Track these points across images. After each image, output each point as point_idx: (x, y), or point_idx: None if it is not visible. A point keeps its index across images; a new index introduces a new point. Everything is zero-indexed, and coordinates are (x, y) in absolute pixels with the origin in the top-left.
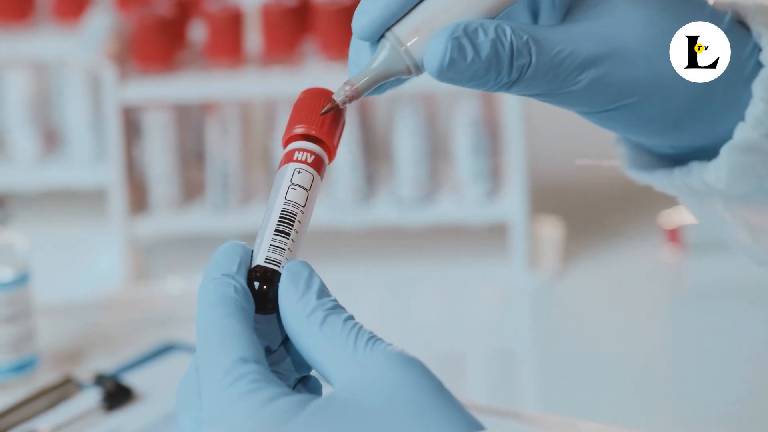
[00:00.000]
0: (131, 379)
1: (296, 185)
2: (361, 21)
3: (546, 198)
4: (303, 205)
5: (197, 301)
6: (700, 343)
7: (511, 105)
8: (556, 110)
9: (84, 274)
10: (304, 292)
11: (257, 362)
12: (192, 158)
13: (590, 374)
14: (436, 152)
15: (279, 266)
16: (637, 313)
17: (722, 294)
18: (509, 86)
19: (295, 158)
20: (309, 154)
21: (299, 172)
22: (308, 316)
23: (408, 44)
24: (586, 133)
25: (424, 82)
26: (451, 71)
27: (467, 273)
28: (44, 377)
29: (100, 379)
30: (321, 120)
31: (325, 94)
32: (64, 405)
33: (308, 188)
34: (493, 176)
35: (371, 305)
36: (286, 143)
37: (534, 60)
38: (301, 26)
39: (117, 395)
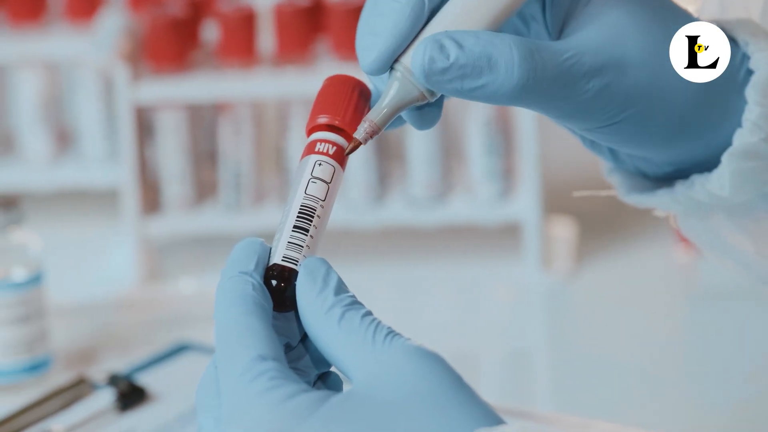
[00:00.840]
0: (145, 380)
1: (317, 178)
2: (368, 58)
3: (558, 198)
4: (323, 198)
5: (215, 298)
6: (712, 343)
7: None
8: None
9: (96, 274)
10: (321, 289)
11: (276, 359)
12: (204, 158)
13: (603, 374)
14: (448, 152)
15: (296, 264)
16: (650, 313)
17: (734, 294)
18: (514, 95)
19: (316, 150)
20: (331, 146)
21: (320, 164)
22: (326, 312)
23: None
24: None
25: None
26: (436, 73)
27: (480, 273)
28: (57, 378)
29: (113, 380)
30: (345, 110)
31: (349, 81)
32: (78, 405)
33: (329, 181)
34: (506, 176)
35: (384, 305)
36: (309, 132)
37: (539, 66)
38: (314, 26)
39: (131, 395)
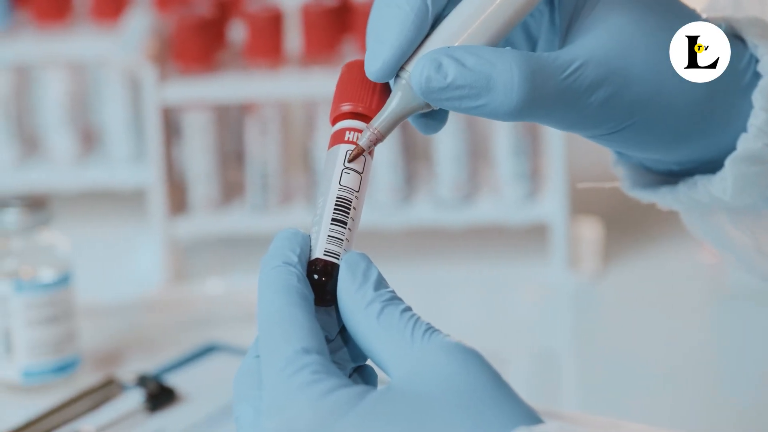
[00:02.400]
0: (173, 380)
1: (350, 169)
2: (375, 66)
3: (585, 199)
4: (357, 189)
5: (258, 288)
6: (738, 344)
7: None
8: None
9: (123, 274)
10: (362, 284)
11: (319, 353)
12: (231, 159)
13: (629, 375)
14: (475, 153)
15: (338, 258)
16: (677, 314)
17: (761, 295)
18: (514, 114)
19: (346, 139)
20: (359, 134)
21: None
22: (366, 307)
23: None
24: None
25: None
26: (433, 91)
27: (507, 273)
28: (85, 378)
29: (142, 380)
30: (369, 96)
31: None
32: (107, 406)
33: (361, 171)
34: (533, 177)
35: (411, 305)
36: (334, 121)
37: (540, 85)
38: (341, 26)
39: (160, 396)
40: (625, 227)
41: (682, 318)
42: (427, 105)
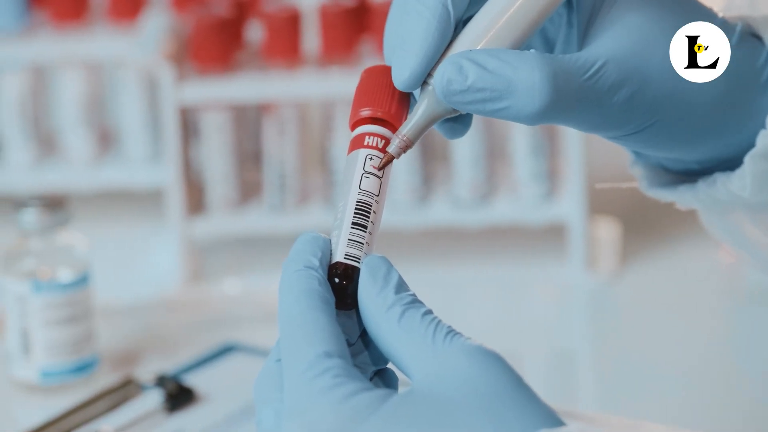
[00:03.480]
0: (192, 380)
1: (369, 173)
2: (403, 75)
3: (602, 199)
4: (377, 193)
5: (280, 292)
6: (756, 345)
7: None
8: None
9: (141, 274)
10: (382, 287)
11: (341, 356)
12: (249, 159)
13: (647, 375)
14: (493, 153)
15: (358, 261)
16: (694, 314)
17: None
18: (536, 117)
19: (365, 144)
20: (379, 139)
21: (371, 158)
22: (387, 310)
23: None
24: None
25: None
26: (455, 94)
27: (524, 274)
28: (103, 379)
29: (161, 381)
30: (389, 102)
31: (388, 72)
32: (126, 406)
33: (381, 175)
34: (551, 177)
35: (429, 305)
36: (353, 126)
37: (562, 87)
38: (359, 27)
39: (179, 396)
40: (643, 228)
41: (699, 318)
42: (454, 110)
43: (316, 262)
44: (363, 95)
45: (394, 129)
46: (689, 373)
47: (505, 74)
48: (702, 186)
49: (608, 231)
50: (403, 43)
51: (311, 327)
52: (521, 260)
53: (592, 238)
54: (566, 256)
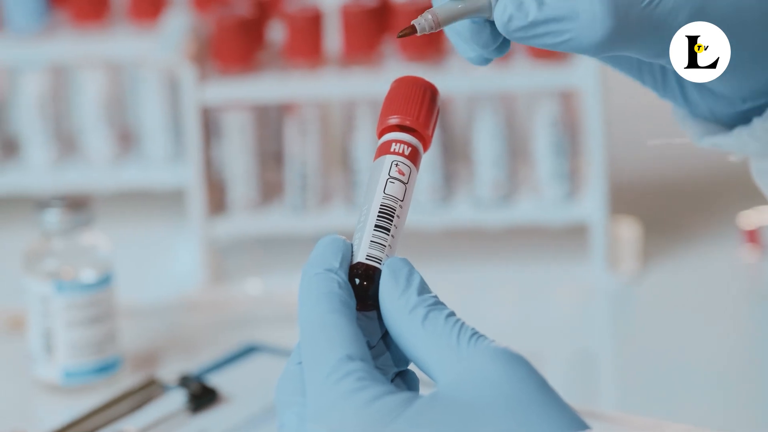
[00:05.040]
0: (215, 381)
1: (394, 179)
2: None
3: (624, 199)
4: (401, 199)
5: (300, 295)
6: None
7: (592, 105)
8: (635, 110)
9: (162, 275)
10: (405, 289)
11: (363, 360)
12: (270, 159)
13: (670, 375)
14: (515, 153)
15: (380, 263)
16: (717, 314)
17: None
18: (599, 48)
19: (392, 150)
20: (406, 146)
21: (397, 164)
22: (410, 312)
23: None
24: (662, 131)
25: (503, 82)
26: (516, 30)
27: (546, 274)
28: (126, 379)
29: (184, 381)
30: (417, 110)
31: (418, 82)
32: (149, 407)
33: (406, 181)
34: (573, 177)
35: (450, 305)
36: (381, 134)
37: (623, 12)
38: (381, 27)
39: (202, 397)
40: (664, 228)
41: (722, 318)
42: (490, 10)
43: (336, 265)
44: (391, 103)
45: (421, 137)
46: (711, 373)
47: (566, 5)
48: (758, 122)
49: (630, 231)
50: None
51: (332, 330)
52: (542, 260)
53: (613, 239)
54: (588, 256)
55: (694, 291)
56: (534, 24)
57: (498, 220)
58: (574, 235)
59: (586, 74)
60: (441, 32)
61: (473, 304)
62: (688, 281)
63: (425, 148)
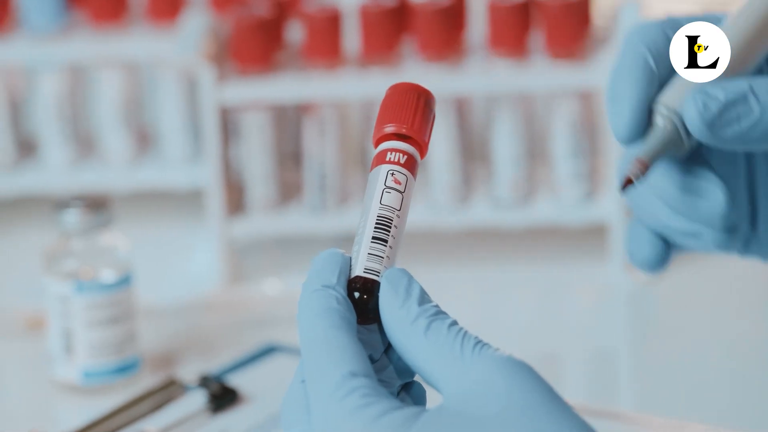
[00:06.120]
0: (234, 381)
1: (390, 188)
2: (619, 129)
3: None
4: (398, 208)
5: (299, 312)
6: None
7: None
8: None
9: (180, 275)
10: (405, 300)
11: (366, 376)
12: (289, 159)
13: (688, 375)
14: (533, 153)
15: (378, 275)
16: (734, 314)
17: None
18: None
19: (387, 159)
20: (401, 155)
21: (392, 174)
22: (411, 323)
23: (677, 110)
24: None
25: (522, 82)
26: (715, 114)
27: (564, 274)
28: (145, 379)
29: (204, 381)
30: (411, 117)
31: (412, 89)
32: (169, 407)
33: (402, 190)
34: (591, 177)
35: (468, 306)
36: (376, 143)
37: None
38: (400, 27)
39: (222, 397)
40: None
41: (740, 318)
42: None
43: (334, 280)
44: (386, 111)
45: (417, 145)
46: (730, 373)
47: (745, 84)
48: None
49: None
50: (615, 96)
51: (333, 347)
52: (561, 260)
53: None
54: (606, 256)
55: (713, 291)
56: (729, 104)
57: (516, 221)
58: (593, 235)
59: (605, 74)
60: (458, 28)
61: (491, 305)
62: (705, 281)
63: (422, 155)
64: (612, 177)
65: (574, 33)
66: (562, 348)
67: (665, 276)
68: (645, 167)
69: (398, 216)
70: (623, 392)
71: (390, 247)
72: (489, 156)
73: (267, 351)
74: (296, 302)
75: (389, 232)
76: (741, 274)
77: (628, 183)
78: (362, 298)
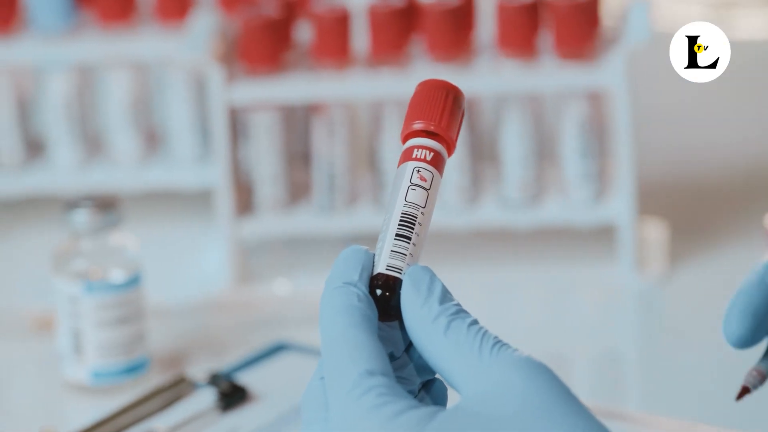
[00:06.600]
0: (244, 379)
1: (416, 185)
2: (732, 333)
3: (651, 199)
4: (423, 205)
5: (320, 310)
6: None
7: (620, 106)
8: (663, 111)
9: (189, 275)
10: (426, 298)
11: (384, 374)
12: (298, 159)
13: (697, 377)
14: (543, 154)
15: (400, 272)
16: None
17: None
18: None
19: (414, 156)
20: (428, 152)
21: (418, 171)
22: (432, 322)
23: None
24: (690, 134)
25: (531, 82)
26: None
27: (573, 275)
28: (154, 379)
29: (214, 379)
30: (440, 115)
31: (442, 86)
32: (179, 405)
33: (428, 188)
34: (600, 178)
35: (476, 307)
36: (404, 139)
37: None
38: (409, 27)
39: (232, 395)
40: (692, 229)
41: None
42: None
43: (356, 277)
44: (415, 108)
45: (444, 142)
46: (739, 375)
47: None
48: None
49: (657, 232)
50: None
51: (352, 345)
52: (570, 261)
53: (640, 240)
54: (615, 257)
55: (722, 292)
56: None
57: (525, 221)
58: (602, 236)
59: (614, 75)
60: (465, 30)
61: (500, 305)
62: (715, 282)
63: (450, 153)
64: (620, 178)
65: (583, 33)
66: (571, 348)
67: (674, 277)
68: (763, 379)
69: (423, 213)
70: (631, 393)
71: (414, 244)
72: (498, 156)
73: (276, 349)
74: (305, 302)
75: (413, 229)
76: None
77: (744, 392)
78: (384, 296)
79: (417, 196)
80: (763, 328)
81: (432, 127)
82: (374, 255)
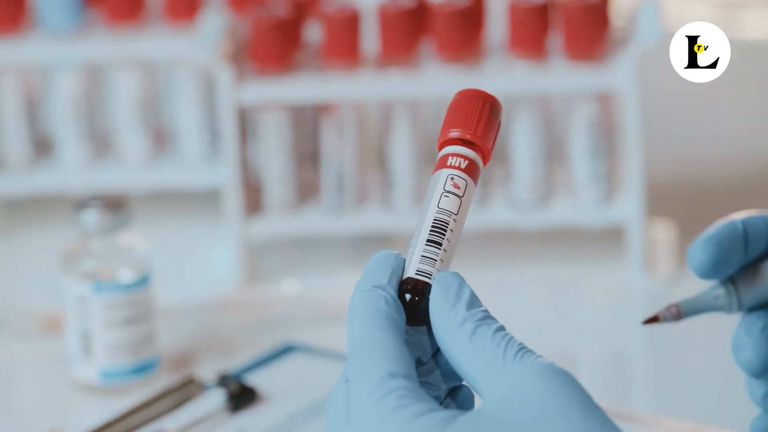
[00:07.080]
0: (253, 380)
1: (449, 192)
2: (695, 259)
3: (660, 200)
4: (456, 212)
5: (348, 312)
6: None
7: (629, 107)
8: (672, 112)
9: (197, 275)
10: (454, 304)
11: (406, 377)
12: (307, 159)
13: (705, 378)
14: (552, 155)
15: (430, 278)
16: None
17: None
18: None
19: (448, 164)
20: (463, 160)
21: (452, 178)
22: (458, 327)
23: (743, 291)
24: (699, 134)
25: (540, 84)
26: None
27: (582, 276)
28: (163, 379)
29: (223, 380)
30: (476, 124)
31: (479, 95)
32: (188, 406)
33: (461, 195)
34: (609, 179)
35: (486, 307)
36: (440, 147)
37: None
38: (418, 28)
39: (241, 396)
40: (700, 230)
41: None
42: (732, 310)
43: (385, 281)
44: (451, 116)
45: (480, 151)
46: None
47: None
48: None
49: (666, 233)
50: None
51: (376, 347)
52: (578, 262)
53: (649, 241)
54: (624, 258)
55: None
56: None
57: (534, 222)
58: (611, 237)
59: (623, 76)
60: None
61: (509, 305)
62: None
63: (485, 162)
64: (629, 179)
65: (592, 34)
66: (579, 349)
67: (683, 278)
68: (678, 316)
69: (455, 220)
70: (639, 394)
71: (444, 250)
72: (507, 157)
73: (285, 350)
74: (314, 302)
75: (444, 235)
76: None
77: (653, 320)
78: (413, 300)
79: (450, 203)
80: (726, 264)
81: (468, 136)
82: (405, 260)
